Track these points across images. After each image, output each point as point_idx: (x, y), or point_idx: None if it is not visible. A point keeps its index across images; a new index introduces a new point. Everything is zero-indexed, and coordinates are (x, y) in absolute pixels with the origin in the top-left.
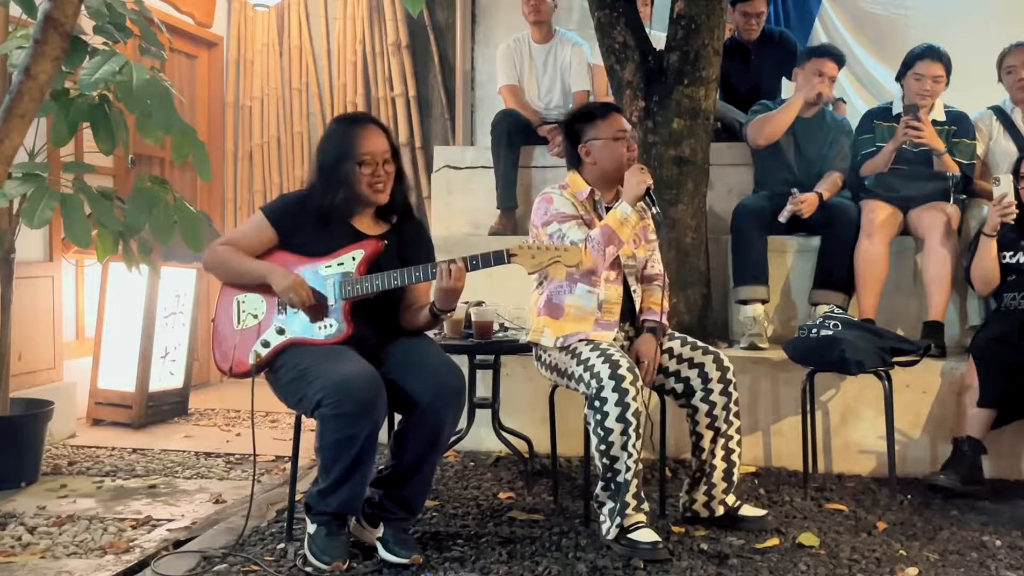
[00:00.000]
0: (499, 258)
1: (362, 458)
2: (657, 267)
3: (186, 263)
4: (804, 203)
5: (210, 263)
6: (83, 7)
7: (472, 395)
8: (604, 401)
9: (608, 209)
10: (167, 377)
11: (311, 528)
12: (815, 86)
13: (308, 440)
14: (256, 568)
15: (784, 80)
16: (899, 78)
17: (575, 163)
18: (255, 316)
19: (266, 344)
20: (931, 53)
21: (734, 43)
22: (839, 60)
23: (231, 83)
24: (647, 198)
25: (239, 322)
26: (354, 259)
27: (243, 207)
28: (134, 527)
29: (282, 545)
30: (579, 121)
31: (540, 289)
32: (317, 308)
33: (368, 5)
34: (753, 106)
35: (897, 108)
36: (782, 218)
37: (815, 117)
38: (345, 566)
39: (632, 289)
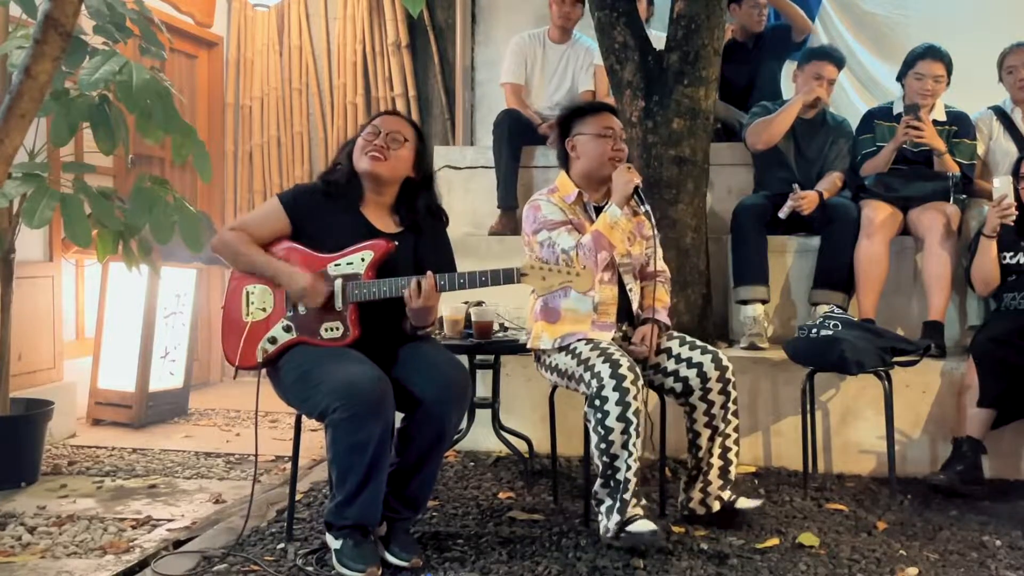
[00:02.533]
0: (508, 276)
1: (376, 463)
2: (659, 264)
3: (186, 263)
4: (805, 200)
5: (219, 247)
6: (83, 7)
7: (472, 395)
8: (605, 400)
9: (597, 209)
10: (167, 377)
11: (336, 544)
12: (814, 89)
13: (308, 440)
14: (256, 568)
15: (783, 78)
16: (900, 78)
17: (563, 160)
18: (263, 310)
19: (273, 340)
20: (932, 53)
21: (731, 42)
22: (839, 63)
23: (231, 83)
24: (636, 196)
25: (248, 314)
26: (363, 260)
27: (243, 207)
28: (134, 527)
29: (282, 545)
30: (570, 117)
31: (536, 294)
32: (326, 308)
33: (368, 5)
34: (753, 107)
35: (898, 108)
36: (782, 214)
37: (816, 117)
38: (379, 572)
39: (628, 288)
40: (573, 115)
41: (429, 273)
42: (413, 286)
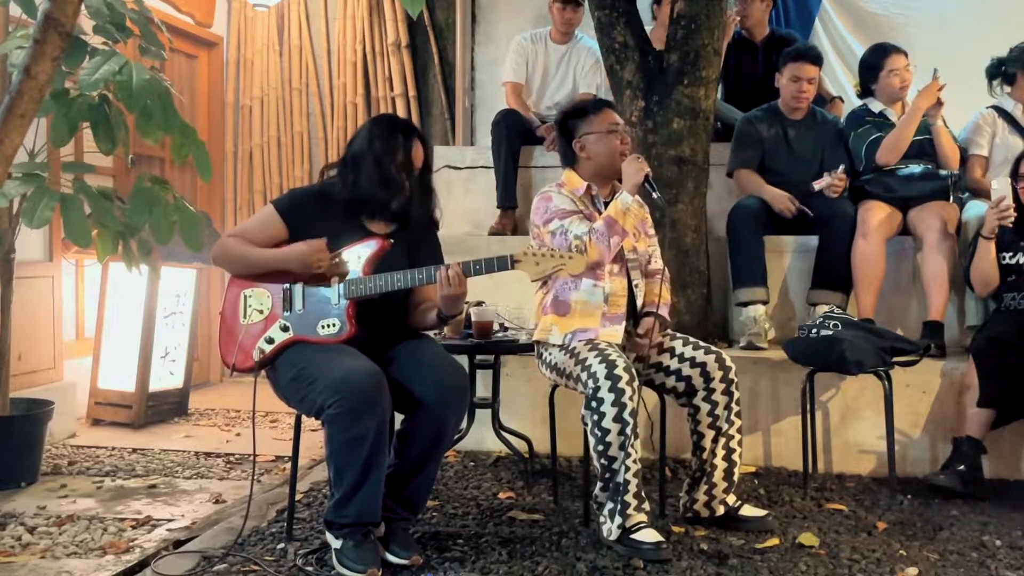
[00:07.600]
0: (502, 264)
1: (373, 458)
2: (658, 263)
3: (186, 263)
4: (842, 183)
5: (218, 255)
6: (83, 7)
7: (472, 395)
8: (601, 401)
9: (606, 204)
10: (167, 377)
11: (336, 544)
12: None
13: (308, 440)
14: (256, 568)
15: None
16: (867, 85)
17: (570, 160)
18: (261, 312)
19: (270, 341)
20: (889, 48)
21: (741, 39)
22: (815, 60)
23: (231, 83)
24: (647, 184)
25: (245, 317)
26: (359, 258)
27: (243, 207)
28: (134, 527)
29: (282, 545)
30: (572, 117)
31: (545, 287)
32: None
33: (368, 5)
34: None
35: (876, 107)
36: (816, 185)
37: (805, 118)
38: (380, 573)
39: (635, 284)
40: (574, 115)
41: (453, 263)
42: (442, 274)
